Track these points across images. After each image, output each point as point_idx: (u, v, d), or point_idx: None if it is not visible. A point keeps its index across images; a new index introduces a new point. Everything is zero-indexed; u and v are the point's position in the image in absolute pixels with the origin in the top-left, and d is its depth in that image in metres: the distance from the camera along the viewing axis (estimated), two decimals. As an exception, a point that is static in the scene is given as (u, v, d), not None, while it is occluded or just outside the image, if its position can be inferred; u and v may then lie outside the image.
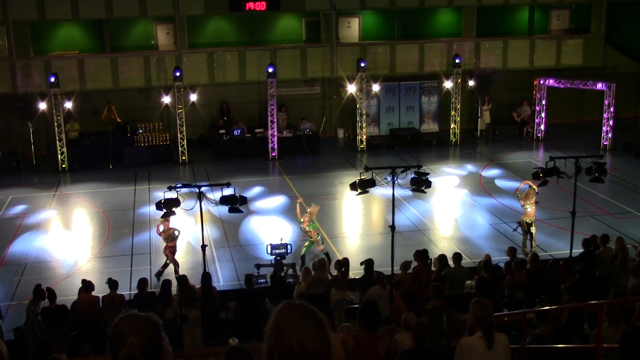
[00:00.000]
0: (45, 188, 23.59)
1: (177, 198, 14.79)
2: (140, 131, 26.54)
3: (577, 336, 9.60)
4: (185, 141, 26.16)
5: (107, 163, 25.84)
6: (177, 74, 25.73)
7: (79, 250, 18.51)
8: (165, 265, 16.64)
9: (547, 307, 10.38)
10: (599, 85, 26.85)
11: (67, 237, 19.58)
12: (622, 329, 8.33)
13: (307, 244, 16.94)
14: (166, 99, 26.46)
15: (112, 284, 13.32)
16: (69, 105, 25.61)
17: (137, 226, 20.02)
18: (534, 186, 17.17)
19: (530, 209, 17.18)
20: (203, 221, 14.78)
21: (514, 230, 17.96)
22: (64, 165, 25.38)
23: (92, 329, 12.77)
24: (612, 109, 26.39)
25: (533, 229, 17.31)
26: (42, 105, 25.31)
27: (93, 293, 13.27)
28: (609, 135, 26.68)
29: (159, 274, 16.32)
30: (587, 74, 29.65)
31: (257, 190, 22.75)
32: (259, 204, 21.45)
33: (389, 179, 14.55)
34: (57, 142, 25.22)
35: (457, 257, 13.97)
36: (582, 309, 10.29)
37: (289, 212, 20.84)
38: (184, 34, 28.29)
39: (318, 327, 2.84)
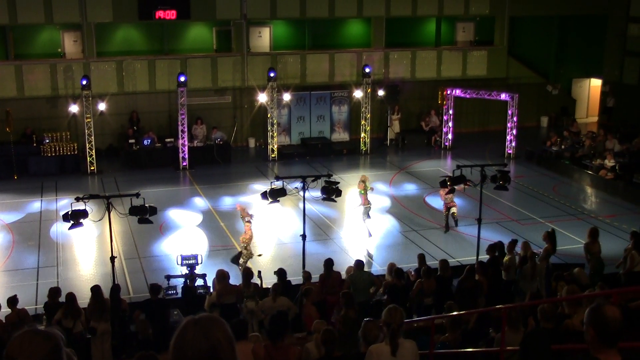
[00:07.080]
0: (-55, 200, 22.68)
1: (85, 209, 14.50)
2: (47, 141, 25.82)
3: (482, 340, 9.90)
4: (94, 151, 25.60)
5: (11, 173, 25.02)
6: (85, 82, 25.16)
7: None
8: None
9: (456, 313, 10.67)
10: (503, 96, 27.74)
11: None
12: (522, 332, 8.67)
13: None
14: (74, 108, 25.87)
15: (11, 301, 12.93)
16: (-30, 114, 24.68)
17: (43, 238, 19.48)
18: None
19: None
20: (112, 232, 14.56)
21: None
22: (-35, 176, 24.48)
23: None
24: (515, 119, 27.29)
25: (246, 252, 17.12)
26: (-59, 114, 24.39)
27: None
28: (513, 144, 27.58)
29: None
30: (491, 84, 30.63)
31: (167, 200, 22.45)
32: (170, 214, 21.20)
33: (300, 187, 14.66)
34: (-42, 152, 24.30)
35: (359, 264, 14.11)
36: (489, 313, 10.62)
37: (200, 222, 20.72)
38: (92, 42, 27.70)
39: (220, 340, 2.84)
